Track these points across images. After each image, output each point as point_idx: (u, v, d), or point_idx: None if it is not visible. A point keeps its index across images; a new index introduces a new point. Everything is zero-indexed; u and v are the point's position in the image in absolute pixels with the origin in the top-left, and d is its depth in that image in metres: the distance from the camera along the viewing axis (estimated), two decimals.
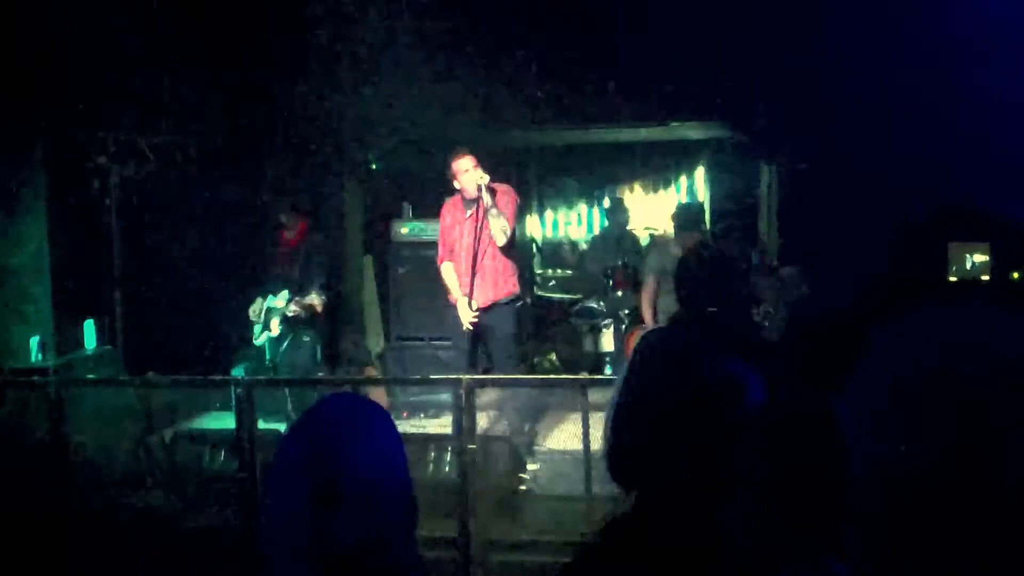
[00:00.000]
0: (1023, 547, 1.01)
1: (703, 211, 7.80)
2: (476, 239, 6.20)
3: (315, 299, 7.09)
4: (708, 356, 1.72)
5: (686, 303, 3.55)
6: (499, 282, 6.46)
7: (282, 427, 6.91)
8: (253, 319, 7.32)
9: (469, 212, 6.38)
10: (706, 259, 3.82)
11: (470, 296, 6.27)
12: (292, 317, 7.13)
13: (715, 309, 3.46)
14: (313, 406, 1.61)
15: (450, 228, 6.58)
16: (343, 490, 1.46)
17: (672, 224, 7.09)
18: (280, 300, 7.20)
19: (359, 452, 1.49)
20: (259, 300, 7.30)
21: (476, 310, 6.29)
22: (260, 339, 7.32)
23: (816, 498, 1.59)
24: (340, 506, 1.45)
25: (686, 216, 6.95)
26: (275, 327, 7.21)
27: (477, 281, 6.26)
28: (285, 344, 7.26)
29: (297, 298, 7.10)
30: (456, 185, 6.38)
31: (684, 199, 11.06)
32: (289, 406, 7.28)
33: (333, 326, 7.98)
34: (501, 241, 6.32)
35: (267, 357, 7.36)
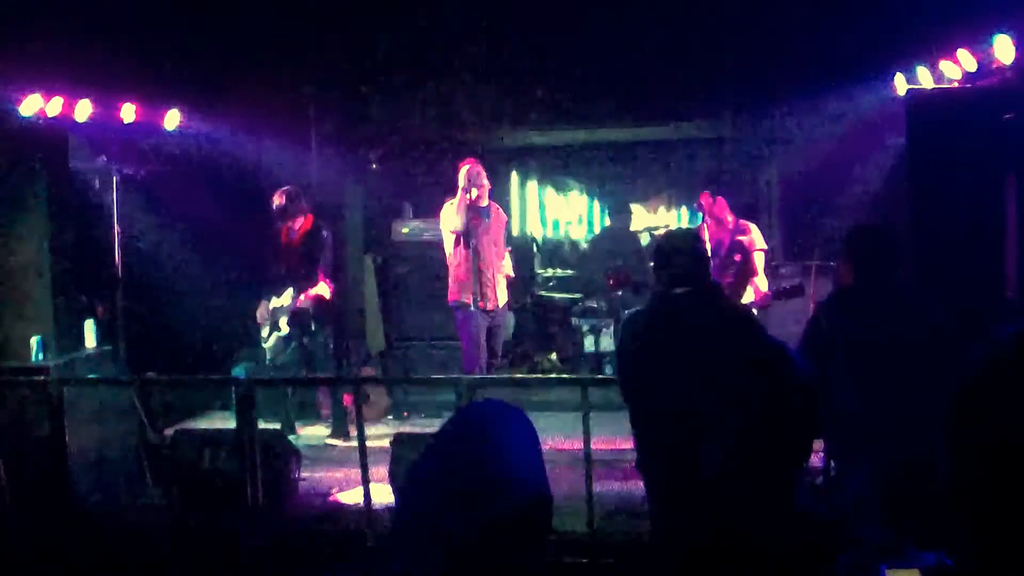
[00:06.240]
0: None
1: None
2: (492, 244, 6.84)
3: (323, 289, 7.03)
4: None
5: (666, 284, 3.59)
6: (501, 290, 6.95)
7: (281, 426, 6.92)
8: (260, 321, 7.23)
9: (486, 218, 6.85)
10: (674, 238, 3.90)
11: (481, 297, 6.70)
12: (300, 310, 7.04)
13: (687, 288, 3.48)
14: (461, 411, 1.75)
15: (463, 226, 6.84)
16: (484, 493, 1.46)
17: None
18: (285, 298, 7.11)
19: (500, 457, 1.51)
20: (263, 303, 7.21)
21: (490, 310, 6.77)
22: (270, 341, 7.22)
23: (777, 435, 1.76)
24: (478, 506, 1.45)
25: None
26: (283, 325, 7.12)
27: (492, 283, 6.82)
28: (294, 343, 7.19)
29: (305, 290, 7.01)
30: (473, 191, 6.70)
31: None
32: (288, 405, 7.26)
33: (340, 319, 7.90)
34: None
35: (269, 358, 7.31)
